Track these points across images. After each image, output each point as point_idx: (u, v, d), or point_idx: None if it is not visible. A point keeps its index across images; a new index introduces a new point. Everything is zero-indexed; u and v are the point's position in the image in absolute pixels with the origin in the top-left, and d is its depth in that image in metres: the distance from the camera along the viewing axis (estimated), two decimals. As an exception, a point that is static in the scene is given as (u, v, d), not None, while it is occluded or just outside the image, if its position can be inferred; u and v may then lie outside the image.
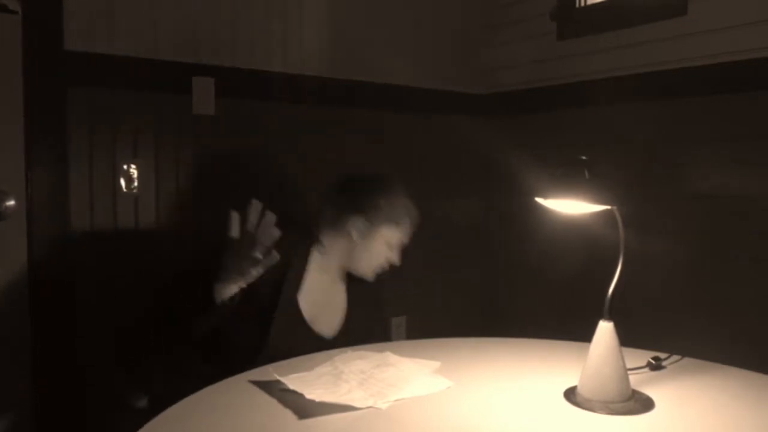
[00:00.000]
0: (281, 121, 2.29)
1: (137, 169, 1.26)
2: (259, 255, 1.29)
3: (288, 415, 1.04)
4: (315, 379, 1.17)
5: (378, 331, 1.76)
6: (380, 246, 1.60)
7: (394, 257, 1.63)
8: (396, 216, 1.60)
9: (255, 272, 1.33)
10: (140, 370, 1.66)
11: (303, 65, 2.34)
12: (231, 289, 1.36)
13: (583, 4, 2.55)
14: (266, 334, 1.47)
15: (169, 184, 2.06)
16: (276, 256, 1.30)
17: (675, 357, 1.35)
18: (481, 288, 2.90)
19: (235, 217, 1.30)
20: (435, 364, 1.30)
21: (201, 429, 1.00)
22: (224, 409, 1.07)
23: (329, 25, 2.41)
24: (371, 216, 1.59)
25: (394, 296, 2.60)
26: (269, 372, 1.19)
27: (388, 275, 1.69)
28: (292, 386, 1.12)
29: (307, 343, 1.51)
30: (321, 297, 1.59)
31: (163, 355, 1.52)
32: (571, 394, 1.15)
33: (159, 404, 1.07)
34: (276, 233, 1.28)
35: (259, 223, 1.29)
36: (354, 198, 1.61)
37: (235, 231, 1.30)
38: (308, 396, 1.07)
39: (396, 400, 1.11)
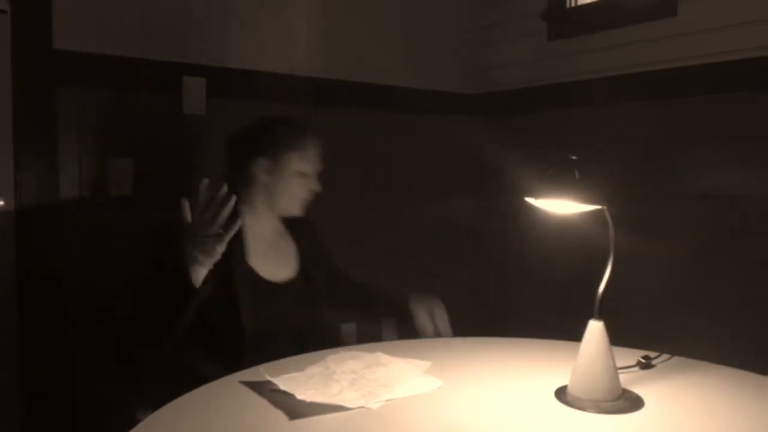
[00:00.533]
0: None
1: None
2: (219, 230, 1.29)
3: (279, 415, 1.04)
4: (306, 380, 1.17)
5: (329, 266, 1.77)
6: (292, 178, 1.59)
7: (313, 185, 1.63)
8: (294, 143, 1.60)
9: (220, 248, 1.32)
10: (133, 370, 1.66)
11: (295, 65, 2.33)
12: (201, 272, 1.35)
13: (573, 4, 2.56)
14: (238, 311, 1.48)
15: (160, 184, 2.05)
16: (237, 224, 1.31)
17: (665, 356, 1.36)
18: (473, 288, 2.90)
19: (185, 204, 1.32)
20: (426, 364, 1.30)
21: (192, 430, 1.00)
22: (215, 410, 1.07)
23: (321, 26, 2.41)
24: (270, 152, 1.59)
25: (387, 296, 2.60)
26: (260, 372, 1.19)
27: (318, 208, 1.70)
28: (283, 387, 1.12)
29: (274, 300, 1.53)
30: (268, 251, 1.61)
31: (155, 355, 1.51)
32: (562, 393, 1.15)
33: (151, 402, 1.07)
34: (230, 203, 1.29)
35: (210, 201, 1.30)
36: (249, 143, 1.62)
37: (188, 216, 1.31)
38: (299, 396, 1.07)
39: (387, 400, 1.11)
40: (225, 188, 1.30)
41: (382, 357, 1.33)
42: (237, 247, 1.51)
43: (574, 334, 1.20)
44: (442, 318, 1.62)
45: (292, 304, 1.56)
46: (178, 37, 2.08)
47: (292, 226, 1.71)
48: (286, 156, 1.59)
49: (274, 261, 1.62)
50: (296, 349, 1.40)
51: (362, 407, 1.07)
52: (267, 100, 2.25)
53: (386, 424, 1.03)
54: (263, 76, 2.25)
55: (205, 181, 1.32)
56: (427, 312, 1.61)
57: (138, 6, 2.00)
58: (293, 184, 1.60)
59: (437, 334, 1.59)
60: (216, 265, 1.36)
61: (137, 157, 2.02)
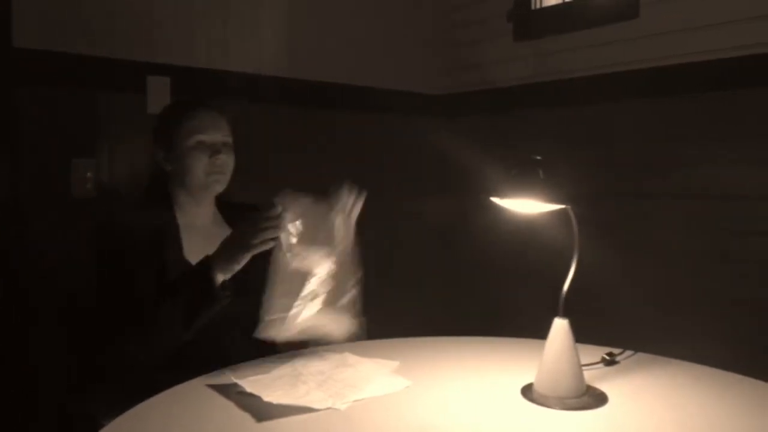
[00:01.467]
0: (239, 121, 2.26)
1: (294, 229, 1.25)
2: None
3: (246, 417, 1.03)
4: (273, 381, 1.17)
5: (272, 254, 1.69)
6: (191, 155, 1.51)
7: (217, 157, 1.53)
8: (180, 119, 1.53)
9: (244, 260, 1.32)
10: (96, 377, 1.62)
11: (261, 65, 2.32)
12: (220, 278, 1.33)
13: (539, 5, 2.59)
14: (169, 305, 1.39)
15: (124, 184, 2.02)
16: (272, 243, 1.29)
17: (628, 352, 1.38)
18: (441, 287, 2.91)
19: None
20: (394, 364, 1.30)
21: (156, 434, 0.98)
22: (181, 414, 1.06)
23: (288, 26, 2.40)
24: (162, 138, 1.54)
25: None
26: (227, 375, 1.18)
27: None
28: (249, 389, 1.11)
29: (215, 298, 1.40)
30: (204, 242, 1.50)
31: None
32: (528, 391, 1.17)
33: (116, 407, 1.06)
34: (278, 222, 1.28)
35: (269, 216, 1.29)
36: (153, 140, 1.57)
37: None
38: (266, 398, 1.07)
39: (355, 401, 1.11)
40: (279, 208, 1.28)
41: (350, 357, 1.33)
42: (171, 242, 1.48)
43: (539, 332, 1.22)
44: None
45: (234, 296, 1.42)
46: (142, 35, 2.05)
47: (233, 213, 1.64)
48: (176, 135, 1.51)
49: (211, 252, 1.52)
50: (248, 345, 1.36)
51: (330, 408, 1.07)
52: (234, 99, 2.23)
53: (353, 425, 1.03)
54: (229, 75, 2.23)
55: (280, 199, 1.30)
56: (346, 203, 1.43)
57: (101, 3, 1.97)
58: (193, 159, 1.51)
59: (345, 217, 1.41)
60: (151, 263, 1.35)
61: (100, 157, 1.99)
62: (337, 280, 1.31)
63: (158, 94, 2.05)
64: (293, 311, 1.25)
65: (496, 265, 2.67)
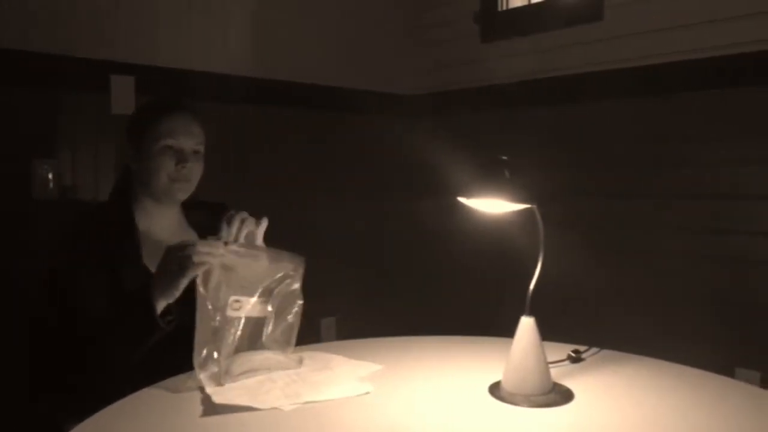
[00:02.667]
0: (205, 121, 2.24)
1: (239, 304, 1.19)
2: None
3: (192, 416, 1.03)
4: (245, 379, 1.17)
5: None
6: (157, 158, 1.47)
7: (183, 165, 1.48)
8: (152, 122, 1.48)
9: (182, 285, 1.26)
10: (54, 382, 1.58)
11: (229, 65, 2.30)
12: (162, 304, 1.29)
13: (505, 7, 2.61)
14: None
15: (87, 186, 1.98)
16: (204, 266, 1.24)
17: (594, 349, 1.40)
18: (410, 287, 2.92)
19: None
20: (376, 367, 1.29)
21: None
22: (145, 419, 1.04)
23: (256, 25, 2.38)
24: (133, 137, 1.50)
25: (324, 297, 2.59)
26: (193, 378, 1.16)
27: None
28: (208, 390, 1.10)
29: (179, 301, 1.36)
30: (163, 245, 1.42)
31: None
32: (495, 389, 1.18)
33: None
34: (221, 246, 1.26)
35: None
36: (125, 135, 1.53)
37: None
38: (216, 400, 1.07)
39: (306, 402, 1.10)
40: (224, 234, 1.27)
41: (335, 359, 1.32)
42: (130, 250, 1.44)
43: (506, 330, 1.23)
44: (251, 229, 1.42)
45: (183, 317, 1.34)
46: (106, 33, 2.02)
47: (199, 214, 1.60)
48: (146, 135, 1.47)
49: None
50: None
51: (275, 408, 1.06)
52: (200, 99, 2.21)
53: (323, 427, 1.02)
54: (196, 75, 2.21)
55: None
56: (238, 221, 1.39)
57: (63, 0, 1.93)
58: (158, 164, 1.46)
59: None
60: (107, 270, 1.32)
61: (63, 158, 1.95)
62: (270, 319, 1.27)
63: (122, 94, 2.02)
64: (223, 364, 1.18)
65: (468, 264, 2.69)
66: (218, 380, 1.15)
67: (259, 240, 1.35)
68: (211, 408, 1.06)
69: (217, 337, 1.19)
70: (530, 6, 2.55)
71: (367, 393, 1.16)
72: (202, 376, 1.14)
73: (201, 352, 1.16)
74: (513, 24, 2.54)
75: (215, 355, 1.18)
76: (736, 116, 1.99)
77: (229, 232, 1.30)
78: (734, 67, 1.97)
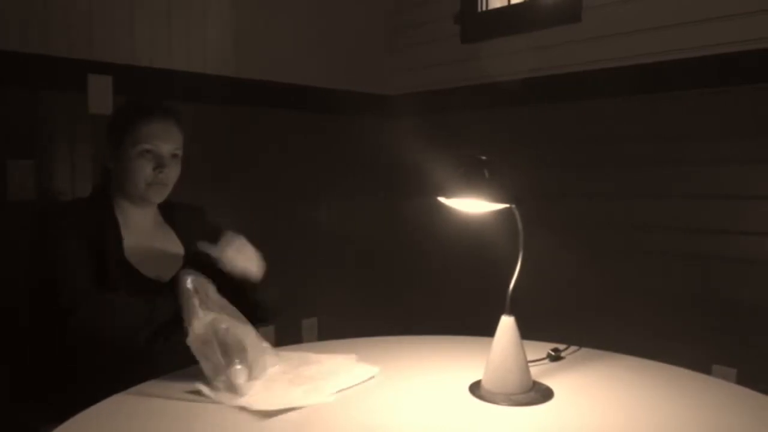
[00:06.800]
0: (184, 121, 2.22)
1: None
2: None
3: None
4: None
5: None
6: (135, 160, 1.47)
7: (161, 170, 1.49)
8: (131, 124, 1.48)
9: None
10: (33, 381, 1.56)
11: (206, 64, 2.28)
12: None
13: (485, 8, 2.63)
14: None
15: (64, 187, 1.96)
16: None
17: (573, 348, 1.41)
18: (392, 287, 2.92)
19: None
20: (352, 357, 1.31)
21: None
22: (127, 423, 1.03)
23: (234, 24, 2.37)
24: (113, 139, 1.50)
25: (306, 298, 2.59)
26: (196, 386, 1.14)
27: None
28: (229, 402, 1.08)
29: (161, 301, 1.37)
30: (148, 246, 1.50)
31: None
32: (476, 388, 1.18)
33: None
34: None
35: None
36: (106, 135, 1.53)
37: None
38: (255, 407, 1.05)
39: (339, 391, 1.13)
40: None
41: (311, 356, 1.32)
42: (111, 243, 1.44)
43: (487, 329, 1.23)
44: (248, 255, 1.48)
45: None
46: (83, 32, 1.99)
47: (176, 215, 1.61)
48: (125, 137, 1.47)
49: (155, 256, 1.51)
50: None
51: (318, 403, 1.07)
52: (178, 99, 2.19)
53: (298, 426, 1.02)
54: (174, 74, 2.19)
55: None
56: (236, 249, 1.45)
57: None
58: (135, 167, 1.46)
59: (243, 270, 1.45)
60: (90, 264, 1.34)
61: (39, 158, 1.92)
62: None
63: (100, 94, 2.00)
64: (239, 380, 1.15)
65: (449, 264, 2.70)
66: (240, 390, 1.12)
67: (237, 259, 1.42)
68: (257, 416, 1.04)
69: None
70: (510, 7, 2.56)
71: (372, 377, 1.21)
72: (219, 394, 1.11)
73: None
74: (492, 25, 2.56)
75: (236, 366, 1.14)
76: (719, 116, 2.01)
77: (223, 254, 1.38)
78: (719, 67, 1.97)
